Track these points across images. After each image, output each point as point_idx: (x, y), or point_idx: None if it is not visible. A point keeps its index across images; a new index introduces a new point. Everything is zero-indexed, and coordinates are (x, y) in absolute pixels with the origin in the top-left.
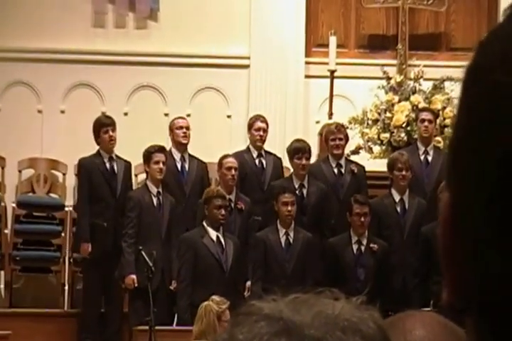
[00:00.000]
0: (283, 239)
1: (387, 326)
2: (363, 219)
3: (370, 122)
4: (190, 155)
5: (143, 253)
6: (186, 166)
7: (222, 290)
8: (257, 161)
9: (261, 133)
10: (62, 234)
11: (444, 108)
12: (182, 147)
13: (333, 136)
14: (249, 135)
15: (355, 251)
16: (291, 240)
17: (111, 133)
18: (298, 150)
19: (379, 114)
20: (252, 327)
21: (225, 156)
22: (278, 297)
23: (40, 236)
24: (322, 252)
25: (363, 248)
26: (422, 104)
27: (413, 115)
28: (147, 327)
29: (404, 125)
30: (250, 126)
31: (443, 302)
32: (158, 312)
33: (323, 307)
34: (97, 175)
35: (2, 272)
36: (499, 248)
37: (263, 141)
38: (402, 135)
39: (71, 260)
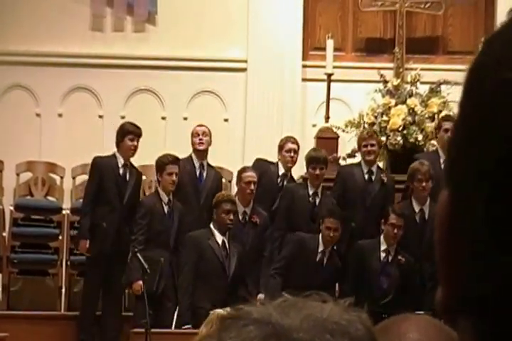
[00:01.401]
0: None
1: (382, 329)
2: (396, 230)
3: (366, 125)
4: (208, 164)
5: (138, 255)
6: (204, 174)
7: (223, 294)
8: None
9: (291, 154)
10: (60, 237)
11: (440, 111)
12: (199, 154)
13: (365, 142)
14: (280, 156)
15: (382, 258)
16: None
17: (135, 142)
18: (312, 160)
19: (375, 117)
20: (241, 331)
21: (244, 170)
22: (266, 301)
23: (37, 239)
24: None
25: (390, 257)
26: (419, 108)
27: (409, 118)
28: (144, 330)
29: (400, 128)
30: (281, 148)
31: (436, 302)
32: (165, 317)
33: (311, 310)
34: (109, 177)
35: (0, 275)
36: (499, 248)
37: (294, 162)
38: (399, 138)
39: (68, 263)
